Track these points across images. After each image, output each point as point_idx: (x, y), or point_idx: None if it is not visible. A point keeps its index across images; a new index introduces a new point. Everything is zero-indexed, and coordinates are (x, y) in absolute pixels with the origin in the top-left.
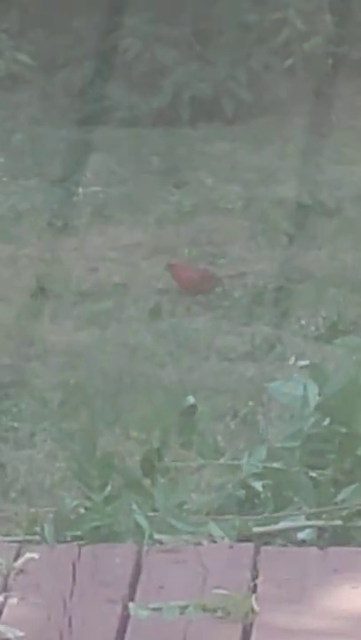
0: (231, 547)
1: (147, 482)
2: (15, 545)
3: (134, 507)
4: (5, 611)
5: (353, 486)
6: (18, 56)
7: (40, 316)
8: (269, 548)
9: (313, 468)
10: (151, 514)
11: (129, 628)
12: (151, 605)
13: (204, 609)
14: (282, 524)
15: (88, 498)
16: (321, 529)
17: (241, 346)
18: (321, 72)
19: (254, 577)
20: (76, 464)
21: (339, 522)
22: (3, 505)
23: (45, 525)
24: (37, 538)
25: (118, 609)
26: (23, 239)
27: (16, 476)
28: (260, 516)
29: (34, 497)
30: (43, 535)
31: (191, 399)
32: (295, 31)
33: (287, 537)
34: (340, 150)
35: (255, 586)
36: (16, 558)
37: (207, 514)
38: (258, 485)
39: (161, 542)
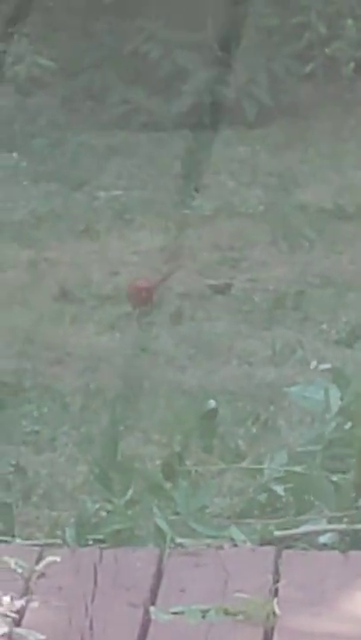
0: (253, 550)
1: (168, 485)
2: (37, 548)
3: (155, 510)
4: (27, 614)
5: None
6: (39, 60)
7: (61, 320)
8: (291, 551)
9: (334, 471)
10: (172, 517)
11: (150, 632)
12: (172, 609)
13: (226, 612)
14: (303, 528)
15: (109, 501)
16: (342, 533)
17: (262, 350)
18: (342, 76)
19: (276, 580)
20: (98, 468)
21: (360, 526)
22: (24, 509)
23: (67, 529)
24: (59, 541)
25: (140, 612)
26: (44, 243)
27: (37, 479)
28: (281, 520)
29: (55, 501)
30: (64, 539)
31: (212, 403)
32: (317, 35)
33: (309, 541)
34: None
35: (276, 589)
36: (38, 561)
37: (229, 517)
38: (279, 489)
39: (182, 546)
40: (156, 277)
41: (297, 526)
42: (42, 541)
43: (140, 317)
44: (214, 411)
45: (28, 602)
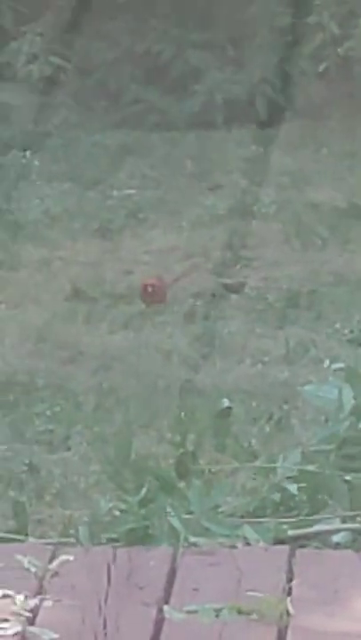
0: (266, 549)
1: (181, 485)
2: (50, 547)
3: (169, 509)
4: (40, 613)
5: None
6: (52, 59)
7: (74, 319)
8: (304, 550)
9: (348, 471)
10: (186, 516)
11: (164, 631)
12: (186, 608)
13: (239, 611)
14: (317, 527)
15: (123, 500)
16: (356, 532)
17: (275, 349)
18: (355, 75)
19: (289, 580)
20: (111, 467)
21: None
22: (37, 507)
23: (80, 528)
24: (72, 540)
25: (153, 611)
26: (57, 242)
27: (51, 478)
28: (294, 519)
29: (68, 500)
30: (77, 537)
31: (226, 402)
32: (329, 35)
33: (322, 540)
34: None
35: (290, 588)
36: (51, 560)
37: (242, 517)
38: (293, 488)
39: (196, 545)
40: (169, 276)
41: (310, 525)
42: (55, 540)
43: (152, 315)
44: (228, 410)
45: (41, 601)
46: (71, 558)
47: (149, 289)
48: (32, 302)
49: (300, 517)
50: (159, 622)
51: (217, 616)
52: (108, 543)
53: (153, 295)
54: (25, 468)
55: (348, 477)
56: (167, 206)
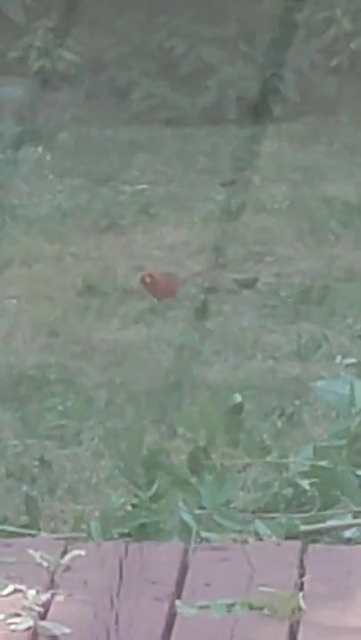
0: (278, 545)
1: (193, 480)
2: (62, 542)
3: (181, 504)
4: (52, 607)
5: None
6: (64, 55)
7: (86, 315)
8: (316, 546)
9: (360, 466)
10: (198, 511)
11: (175, 626)
12: (198, 603)
13: (251, 607)
14: (329, 523)
15: (135, 495)
16: None
17: (287, 344)
18: None
19: (301, 575)
20: (123, 462)
21: None
22: (49, 502)
23: (92, 522)
24: (84, 535)
25: (165, 606)
26: (69, 238)
27: (62, 473)
28: (306, 515)
29: (80, 495)
30: (89, 532)
31: (238, 397)
32: (342, 30)
33: (334, 535)
34: None
35: (302, 584)
36: (63, 555)
37: (254, 512)
38: (305, 484)
39: (208, 540)
40: (182, 271)
41: (322, 521)
42: (67, 535)
43: (163, 311)
44: (240, 405)
45: (53, 595)
46: (83, 553)
47: (147, 279)
48: (44, 297)
49: (312, 513)
50: (171, 617)
51: (229, 611)
52: (119, 538)
53: (157, 288)
54: (37, 463)
55: (360, 473)
56: (179, 202)
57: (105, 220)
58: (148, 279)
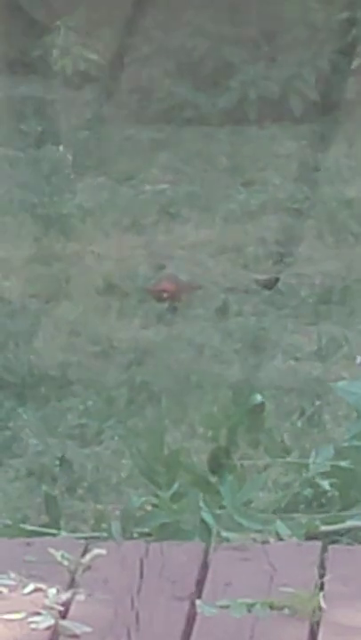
0: (298, 545)
1: (214, 480)
2: (82, 541)
3: (201, 504)
4: (73, 606)
5: None
6: (85, 53)
7: (106, 314)
8: (336, 546)
9: None
10: (218, 511)
11: (196, 625)
12: (218, 603)
13: (272, 607)
14: (349, 523)
15: (155, 495)
16: None
17: (308, 345)
18: None
19: (321, 575)
20: (143, 461)
21: None
22: (70, 502)
23: (112, 522)
24: (104, 534)
25: (185, 606)
26: (90, 237)
27: (83, 473)
28: (327, 515)
29: (101, 494)
30: (110, 532)
31: (259, 397)
32: None
33: (354, 535)
34: None
35: (322, 584)
36: (83, 554)
37: (274, 512)
38: (325, 484)
39: (228, 540)
40: (199, 272)
41: (342, 521)
42: (88, 534)
43: (185, 310)
44: (261, 405)
45: (73, 594)
46: (104, 552)
47: (164, 293)
48: (65, 296)
49: (333, 513)
50: (191, 617)
51: (249, 611)
52: (140, 538)
53: (168, 294)
54: (57, 463)
55: None
56: (200, 201)
57: (126, 219)
58: (165, 294)
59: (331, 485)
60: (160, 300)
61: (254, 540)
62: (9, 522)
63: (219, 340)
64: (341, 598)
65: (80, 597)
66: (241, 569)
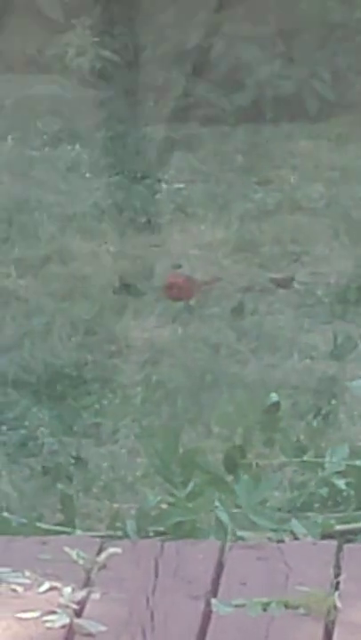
0: (314, 544)
1: (229, 479)
2: (98, 540)
3: (217, 503)
4: (88, 605)
5: None
6: (101, 52)
7: (122, 313)
8: (352, 545)
9: None
10: (234, 510)
11: (211, 624)
12: (233, 602)
13: (287, 606)
14: None
15: (170, 494)
16: None
17: (323, 344)
18: None
19: (337, 574)
20: (159, 460)
21: None
22: (85, 500)
23: (128, 521)
24: (119, 533)
25: (201, 605)
26: (106, 236)
27: (98, 472)
28: (342, 514)
29: (116, 493)
30: (125, 530)
31: (275, 396)
32: None
33: None
34: None
35: (338, 583)
36: (99, 553)
37: (289, 511)
38: (340, 483)
39: (243, 539)
40: (213, 271)
41: (358, 520)
42: (103, 533)
43: (200, 309)
44: (277, 404)
45: (89, 593)
46: (119, 551)
47: (174, 291)
48: (80, 295)
49: (348, 512)
50: (207, 616)
51: (264, 610)
52: (155, 536)
53: (179, 292)
54: (73, 461)
55: None
56: (216, 200)
57: (142, 218)
58: (169, 281)
59: (346, 484)
60: (172, 298)
61: (270, 539)
62: (24, 520)
63: (234, 339)
64: (357, 597)
65: (95, 596)
66: (256, 568)
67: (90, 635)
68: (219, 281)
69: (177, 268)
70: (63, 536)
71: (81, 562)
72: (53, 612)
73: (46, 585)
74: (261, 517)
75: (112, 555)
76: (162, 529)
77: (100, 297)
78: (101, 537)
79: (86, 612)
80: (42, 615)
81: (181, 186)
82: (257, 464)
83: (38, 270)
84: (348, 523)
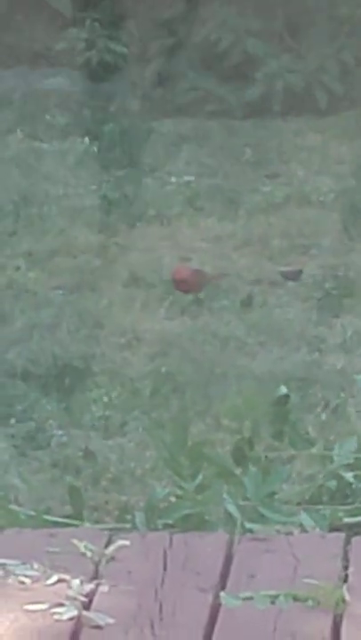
0: (322, 537)
1: (238, 471)
2: (106, 532)
3: (225, 496)
4: (96, 598)
5: None
6: (110, 46)
7: (131, 306)
8: (360, 538)
9: None
10: (242, 503)
11: (219, 617)
12: (242, 594)
13: (295, 598)
14: None
15: (179, 486)
16: None
17: (332, 337)
18: None
19: (345, 567)
20: (167, 453)
21: None
22: (94, 493)
23: (136, 513)
24: (128, 526)
25: (209, 597)
26: (115, 229)
27: (107, 464)
28: (351, 507)
29: (124, 485)
30: (134, 523)
31: (284, 389)
32: None
33: None
34: None
35: (346, 576)
36: (107, 545)
37: (298, 504)
38: (349, 476)
39: (252, 531)
40: (222, 264)
41: None
42: (111, 525)
43: (209, 302)
44: (286, 397)
45: (97, 585)
46: (127, 543)
47: (182, 284)
48: (89, 288)
49: (356, 505)
50: (215, 608)
51: (273, 603)
52: (164, 529)
53: (188, 285)
54: (81, 454)
55: None
56: (224, 194)
57: (150, 211)
58: (177, 274)
59: (355, 477)
60: (181, 291)
61: (278, 531)
62: (33, 513)
63: (243, 331)
64: None
65: (104, 588)
66: (265, 560)
67: (98, 627)
68: (228, 274)
69: (186, 261)
70: (71, 528)
71: (89, 554)
72: (61, 605)
73: (54, 577)
74: (270, 510)
75: (120, 547)
76: (170, 521)
77: (108, 290)
78: (110, 529)
79: (95, 604)
80: (50, 607)
81: (190, 179)
82: (266, 457)
83: (47, 263)
84: (356, 515)
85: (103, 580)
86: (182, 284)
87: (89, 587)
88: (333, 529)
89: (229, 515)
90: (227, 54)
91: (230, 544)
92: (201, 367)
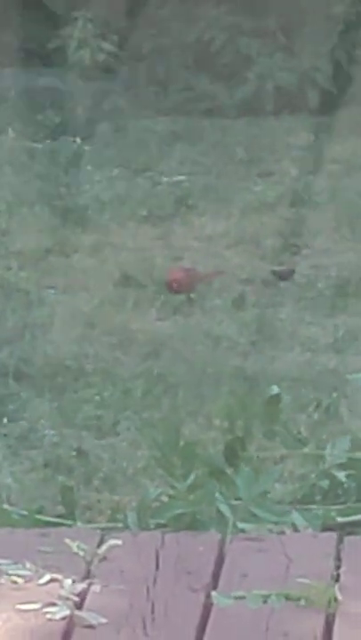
0: (314, 536)
1: (230, 471)
2: (98, 532)
3: (217, 495)
4: (89, 597)
5: None
6: (103, 45)
7: (124, 305)
8: (352, 537)
9: None
10: (234, 502)
11: (211, 616)
12: (234, 594)
13: (287, 598)
14: None
15: (171, 486)
16: None
17: (324, 337)
18: None
19: (337, 566)
20: (159, 452)
21: None
22: (86, 492)
23: (128, 513)
24: (120, 525)
25: (201, 597)
26: (107, 228)
27: (99, 464)
28: (343, 506)
29: (117, 485)
30: (126, 522)
31: (276, 389)
32: None
33: None
34: None
35: (338, 575)
36: (99, 545)
37: (290, 503)
38: (341, 475)
39: (244, 531)
40: (214, 264)
41: (359, 512)
42: (103, 525)
43: (201, 302)
44: (278, 396)
45: (89, 585)
46: (119, 543)
47: (174, 284)
48: (81, 288)
49: (349, 504)
50: (207, 607)
51: (265, 602)
52: (156, 528)
53: (180, 285)
54: (73, 454)
55: None
56: (217, 193)
57: (143, 210)
58: (169, 273)
59: (347, 477)
60: (173, 290)
61: (270, 531)
62: (25, 512)
63: (235, 331)
64: (357, 589)
65: (96, 588)
66: (257, 560)
67: (90, 626)
68: (220, 273)
69: (178, 260)
70: (64, 528)
71: (81, 554)
72: (54, 604)
73: (47, 577)
74: (262, 509)
75: (113, 547)
76: (162, 521)
77: (100, 289)
78: (102, 529)
79: (87, 603)
80: (42, 607)
81: (183, 178)
82: (258, 456)
83: (39, 263)
84: (348, 515)
85: (95, 580)
86: (175, 284)
87: (81, 586)
88: (326, 528)
89: (221, 514)
90: (219, 53)
91: (222, 543)
92: (193, 367)
